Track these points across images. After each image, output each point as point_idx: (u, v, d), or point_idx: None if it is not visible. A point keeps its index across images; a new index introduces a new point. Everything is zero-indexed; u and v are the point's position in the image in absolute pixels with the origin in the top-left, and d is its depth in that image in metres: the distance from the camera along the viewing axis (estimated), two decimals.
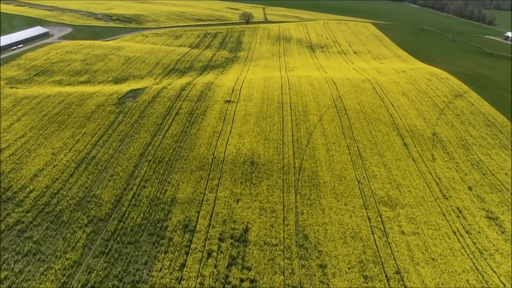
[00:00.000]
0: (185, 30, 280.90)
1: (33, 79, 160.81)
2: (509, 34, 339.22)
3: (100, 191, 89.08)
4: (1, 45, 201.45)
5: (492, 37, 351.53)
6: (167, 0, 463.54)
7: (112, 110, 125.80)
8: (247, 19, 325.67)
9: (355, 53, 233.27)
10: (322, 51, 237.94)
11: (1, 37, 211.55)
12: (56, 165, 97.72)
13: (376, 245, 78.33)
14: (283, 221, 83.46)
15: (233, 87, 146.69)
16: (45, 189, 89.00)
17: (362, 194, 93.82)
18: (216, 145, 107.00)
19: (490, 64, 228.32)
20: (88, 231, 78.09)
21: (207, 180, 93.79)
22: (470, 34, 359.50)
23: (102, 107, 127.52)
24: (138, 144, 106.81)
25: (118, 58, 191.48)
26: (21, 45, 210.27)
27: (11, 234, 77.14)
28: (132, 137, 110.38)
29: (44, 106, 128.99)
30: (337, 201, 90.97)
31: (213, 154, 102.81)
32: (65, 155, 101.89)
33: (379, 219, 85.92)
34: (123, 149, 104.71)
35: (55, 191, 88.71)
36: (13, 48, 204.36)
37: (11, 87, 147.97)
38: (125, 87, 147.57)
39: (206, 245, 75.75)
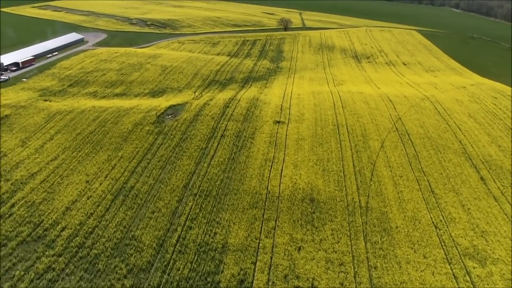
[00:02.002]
0: (222, 37, 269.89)
1: (67, 91, 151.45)
2: None
3: (140, 231, 77.45)
4: (37, 53, 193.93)
5: None
6: (201, 3, 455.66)
7: (150, 130, 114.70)
8: (285, 25, 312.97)
9: (405, 65, 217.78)
10: (369, 62, 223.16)
11: (37, 44, 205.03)
12: (91, 196, 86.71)
13: None
14: (355, 277, 70.17)
15: (281, 105, 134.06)
16: (78, 227, 77.91)
17: (442, 244, 79.71)
18: (269, 176, 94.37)
19: None
20: (128, 285, 66.33)
21: (262, 221, 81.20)
22: None
23: (139, 126, 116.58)
24: (181, 173, 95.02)
25: (155, 67, 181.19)
26: (56, 53, 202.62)
27: (40, 284, 65.97)
28: (174, 164, 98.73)
29: (78, 123, 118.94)
30: (414, 252, 77.15)
31: (267, 188, 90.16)
32: (101, 184, 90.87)
33: (468, 278, 71.70)
34: (164, 179, 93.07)
35: (90, 229, 77.52)
36: (48, 56, 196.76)
37: (45, 100, 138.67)
38: (163, 102, 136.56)
39: None
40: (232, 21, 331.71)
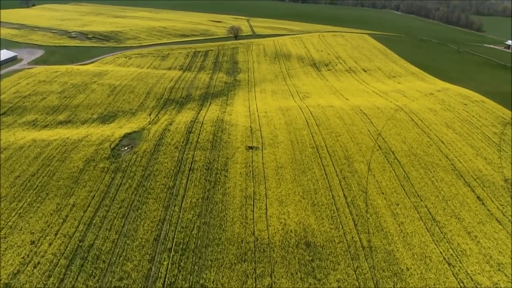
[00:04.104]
0: (171, 49, 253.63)
1: (0, 120, 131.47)
2: (510, 42, 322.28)
3: None
4: None
5: (491, 46, 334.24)
6: (144, 13, 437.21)
7: (105, 167, 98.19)
8: (235, 33, 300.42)
9: (365, 71, 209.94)
10: (329, 70, 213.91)
11: None
12: (39, 263, 69.92)
13: None
14: None
15: (251, 126, 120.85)
16: None
17: (461, 284, 69.42)
18: (253, 218, 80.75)
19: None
20: None
21: (255, 279, 67.51)
22: (466, 42, 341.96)
23: (92, 163, 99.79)
24: (149, 222, 79.63)
25: (102, 88, 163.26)
26: None
27: None
28: (139, 211, 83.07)
29: (16, 163, 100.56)
30: None
31: (254, 234, 76.53)
32: (50, 245, 74.07)
33: None
34: (129, 231, 77.40)
35: None
36: None
37: None
38: (116, 130, 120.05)
39: None
40: (179, 31, 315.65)
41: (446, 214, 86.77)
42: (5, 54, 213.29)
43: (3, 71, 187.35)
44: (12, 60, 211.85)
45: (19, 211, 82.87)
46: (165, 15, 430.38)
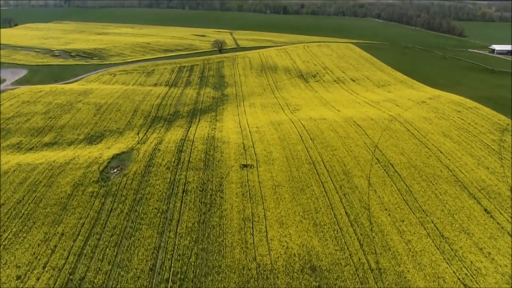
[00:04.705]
0: (156, 64, 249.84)
1: None
2: (495, 47, 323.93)
3: None
4: None
5: (476, 51, 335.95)
6: (127, 29, 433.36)
7: (95, 191, 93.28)
8: (220, 47, 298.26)
9: (353, 81, 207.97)
10: (317, 81, 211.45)
11: None
12: None
13: None
14: None
15: (243, 143, 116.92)
16: None
17: None
18: (253, 242, 76.45)
19: (500, 83, 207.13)
20: None
21: None
22: (450, 48, 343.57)
23: (80, 187, 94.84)
24: (143, 251, 74.86)
25: (87, 107, 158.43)
26: None
27: None
28: (132, 238, 78.29)
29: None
30: None
31: (255, 260, 72.17)
32: (38, 279, 68.88)
33: None
34: (123, 261, 72.55)
35: None
36: None
37: None
38: (104, 151, 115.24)
39: None
40: (163, 46, 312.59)
41: (454, 229, 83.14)
42: None
43: None
44: None
45: (3, 243, 77.61)
46: (148, 30, 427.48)
